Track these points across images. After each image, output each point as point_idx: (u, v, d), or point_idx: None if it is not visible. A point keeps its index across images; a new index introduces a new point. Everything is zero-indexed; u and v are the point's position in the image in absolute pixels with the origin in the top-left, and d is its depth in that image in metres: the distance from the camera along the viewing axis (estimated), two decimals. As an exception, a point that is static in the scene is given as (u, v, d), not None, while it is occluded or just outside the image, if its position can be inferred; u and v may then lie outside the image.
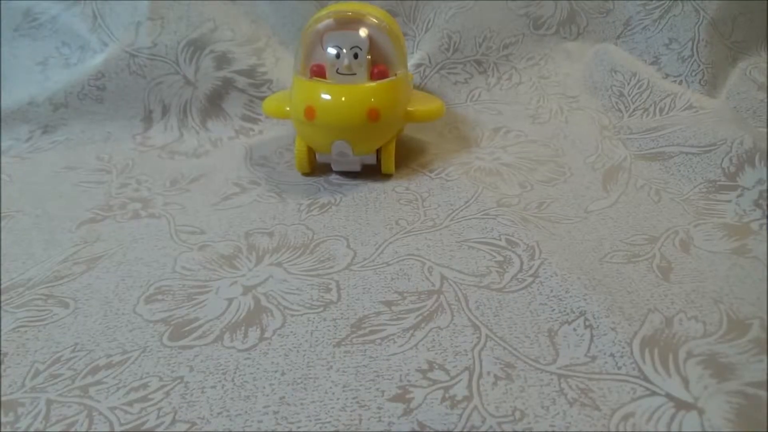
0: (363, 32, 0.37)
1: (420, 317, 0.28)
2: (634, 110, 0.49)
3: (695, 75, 0.51)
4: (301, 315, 0.28)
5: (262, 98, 0.52)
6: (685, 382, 0.23)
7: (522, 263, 0.32)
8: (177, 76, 0.50)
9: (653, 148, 0.44)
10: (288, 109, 0.39)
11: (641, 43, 0.54)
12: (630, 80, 0.51)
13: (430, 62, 0.54)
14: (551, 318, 0.27)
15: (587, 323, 0.27)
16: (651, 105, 0.49)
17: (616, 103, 0.51)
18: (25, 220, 0.37)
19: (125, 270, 0.32)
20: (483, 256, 0.32)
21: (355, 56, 0.37)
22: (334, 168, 0.40)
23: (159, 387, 0.24)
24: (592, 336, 0.26)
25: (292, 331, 0.27)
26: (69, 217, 0.38)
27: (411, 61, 0.55)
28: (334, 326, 0.27)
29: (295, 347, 0.26)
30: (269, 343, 0.26)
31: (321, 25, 0.38)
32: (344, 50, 0.37)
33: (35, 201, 0.40)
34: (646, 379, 0.24)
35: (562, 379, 0.24)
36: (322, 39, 0.37)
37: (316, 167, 0.42)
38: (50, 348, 0.26)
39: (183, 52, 0.50)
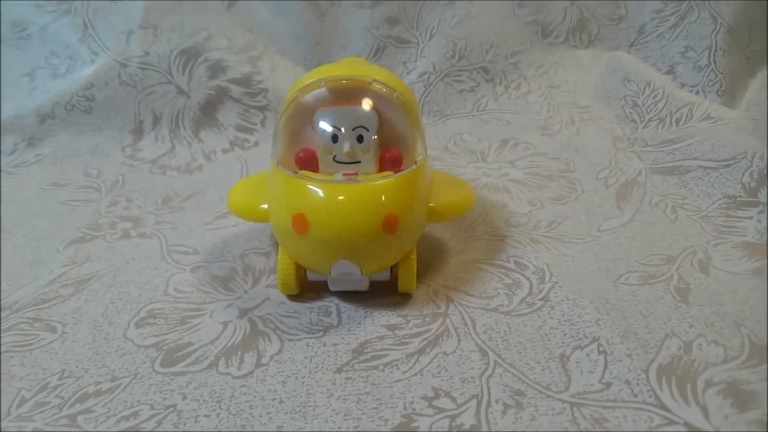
0: (368, 105, 0.30)
1: (425, 342, 0.28)
2: (648, 121, 0.50)
3: (713, 85, 0.52)
4: (300, 340, 0.29)
5: (259, 107, 0.53)
6: (705, 411, 0.24)
7: (532, 286, 0.32)
8: (169, 85, 0.51)
9: (669, 161, 0.44)
10: (265, 207, 0.30)
11: (656, 52, 0.55)
12: (644, 89, 0.52)
13: (434, 70, 0.55)
14: (563, 343, 0.28)
15: (601, 349, 0.27)
16: (667, 115, 0.49)
17: (630, 113, 0.52)
18: (10, 240, 0.38)
19: (115, 292, 0.32)
20: (491, 278, 0.33)
21: (360, 139, 0.29)
22: (332, 287, 0.31)
23: (150, 416, 0.25)
24: (606, 362, 0.26)
25: (290, 357, 0.28)
26: (56, 237, 0.38)
27: (415, 71, 0.56)
28: (335, 351, 0.28)
29: (293, 374, 0.27)
30: (266, 370, 0.27)
31: (311, 97, 0.30)
32: (344, 130, 0.29)
33: (21, 220, 0.40)
34: (663, 407, 0.24)
35: (575, 407, 0.24)
36: (313, 115, 0.30)
37: (307, 285, 0.32)
38: (37, 374, 0.27)
39: (176, 60, 0.52)
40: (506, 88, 0.56)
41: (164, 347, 0.28)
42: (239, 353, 0.28)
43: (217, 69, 0.52)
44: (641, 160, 0.46)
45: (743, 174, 0.39)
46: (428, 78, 0.55)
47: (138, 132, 0.51)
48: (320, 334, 0.29)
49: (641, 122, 0.50)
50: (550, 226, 0.38)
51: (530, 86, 0.57)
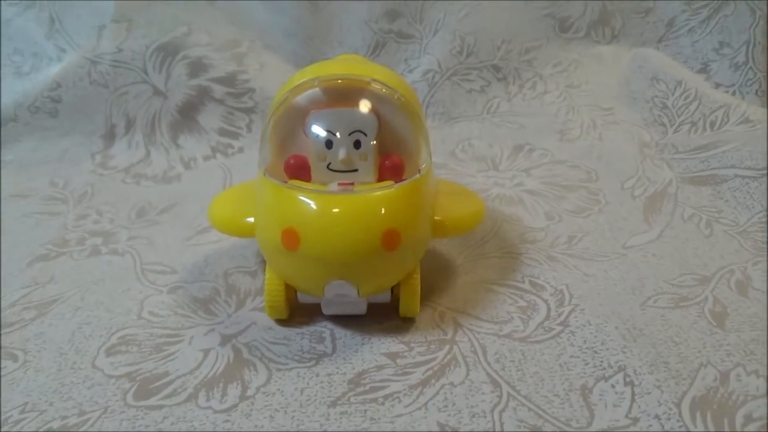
0: (366, 107, 0.30)
1: (430, 372, 0.28)
2: (680, 125, 0.51)
3: (751, 84, 0.52)
4: (290, 369, 0.29)
5: (244, 110, 0.54)
6: (744, 449, 0.24)
7: (549, 309, 0.32)
8: (145, 85, 0.52)
9: (703, 170, 0.45)
10: (251, 221, 0.31)
11: (687, 48, 0.56)
12: (675, 90, 0.53)
13: (440, 68, 0.56)
14: (585, 373, 0.28)
15: (627, 380, 0.27)
16: (700, 118, 0.50)
17: (659, 116, 0.52)
18: (-35, 256, 0.38)
19: (83, 316, 0.33)
20: (504, 301, 0.33)
21: (357, 144, 0.30)
22: (325, 311, 0.32)
23: (122, 455, 0.25)
24: (633, 395, 0.26)
25: (279, 389, 0.28)
26: (18, 254, 0.38)
27: (418, 69, 0.57)
28: (329, 382, 0.28)
29: (282, 407, 0.27)
30: (252, 403, 0.27)
31: (303, 99, 0.30)
32: (339, 135, 0.30)
33: (-23, 233, 0.41)
34: (697, 446, 0.24)
35: (598, 446, 0.24)
36: (306, 118, 0.30)
37: (297, 308, 0.32)
38: (-5, 409, 0.27)
39: (152, 58, 0.52)
40: (520, 87, 0.57)
41: (138, 378, 0.28)
42: (222, 384, 0.28)
43: (198, 67, 0.53)
44: (671, 168, 0.46)
45: (785, 184, 0.40)
46: (433, 77, 0.56)
47: (109, 137, 0.52)
48: (312, 363, 0.29)
49: (671, 126, 0.51)
50: (569, 243, 0.38)
51: (547, 86, 0.57)
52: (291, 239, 0.28)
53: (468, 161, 0.50)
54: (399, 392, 0.27)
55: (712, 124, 0.49)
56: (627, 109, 0.54)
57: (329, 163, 0.30)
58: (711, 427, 0.25)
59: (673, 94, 0.53)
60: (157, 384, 0.28)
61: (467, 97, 0.56)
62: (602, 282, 0.34)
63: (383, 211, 0.28)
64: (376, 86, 0.30)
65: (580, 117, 0.54)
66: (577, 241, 0.39)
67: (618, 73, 0.57)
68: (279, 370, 0.29)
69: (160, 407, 0.27)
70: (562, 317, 0.31)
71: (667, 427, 0.25)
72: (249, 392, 0.28)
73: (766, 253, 0.36)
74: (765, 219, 0.39)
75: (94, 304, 0.34)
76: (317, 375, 0.28)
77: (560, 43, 0.59)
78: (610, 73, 0.58)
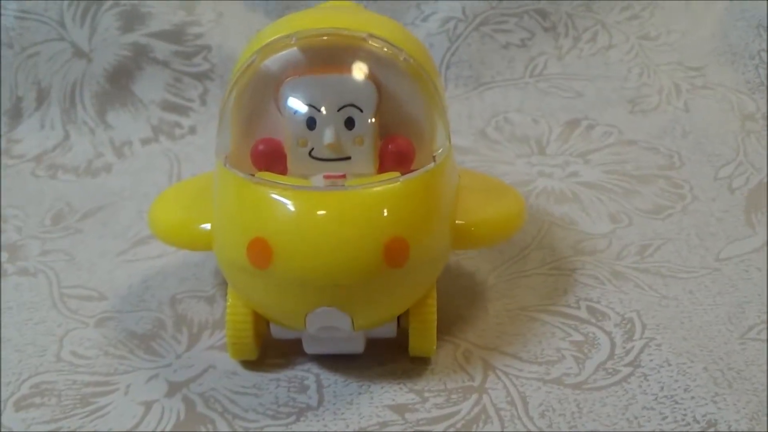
0: (361, 73, 0.30)
1: (452, 430, 0.29)
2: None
3: None
4: (261, 429, 0.29)
5: (196, 75, 0.54)
6: None
7: (614, 345, 0.33)
8: (62, 43, 0.53)
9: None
10: (207, 228, 0.31)
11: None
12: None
13: (464, 15, 0.56)
14: (662, 431, 0.28)
15: (719, 439, 0.28)
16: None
17: None
18: None
19: (-18, 357, 0.33)
20: (552, 334, 0.34)
21: (349, 124, 0.30)
22: (308, 350, 0.32)
23: None
24: (726, 459, 0.27)
25: (246, 455, 0.29)
26: None
27: (434, 17, 0.57)
28: (314, 446, 0.29)
29: (251, 480, 0.28)
30: (211, 474, 0.28)
31: (275, 62, 0.30)
32: (325, 111, 0.30)
33: None
34: None
35: None
36: (278, 90, 0.30)
37: (270, 346, 0.33)
38: None
39: (71, 7, 0.52)
40: (575, 41, 0.57)
41: (57, 441, 0.29)
42: (170, 449, 0.29)
43: (133, 17, 0.53)
44: (784, 150, 0.47)
45: None
46: (455, 27, 0.56)
47: (15, 114, 0.52)
48: (292, 419, 0.30)
49: (784, 92, 0.51)
50: (642, 254, 0.39)
51: (612, 38, 0.57)
52: (261, 253, 0.28)
53: (503, 143, 0.50)
54: (409, 458, 0.28)
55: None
56: (723, 69, 0.55)
57: (312, 149, 0.30)
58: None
59: (787, 49, 0.53)
60: (83, 449, 0.29)
61: (502, 54, 0.57)
62: (687, 307, 0.35)
63: (386, 214, 0.28)
64: (374, 44, 0.30)
65: (659, 80, 0.55)
66: (653, 251, 0.39)
67: (711, 20, 0.58)
68: (246, 429, 0.29)
69: (88, 480, 0.28)
70: (632, 355, 0.32)
71: (770, 503, 0.26)
72: (206, 459, 0.28)
73: None
74: None
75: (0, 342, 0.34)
76: (298, 436, 0.29)
77: (630, -21, 0.59)
78: (701, 21, 0.58)
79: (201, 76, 0.54)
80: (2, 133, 0.52)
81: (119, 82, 0.53)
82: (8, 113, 0.53)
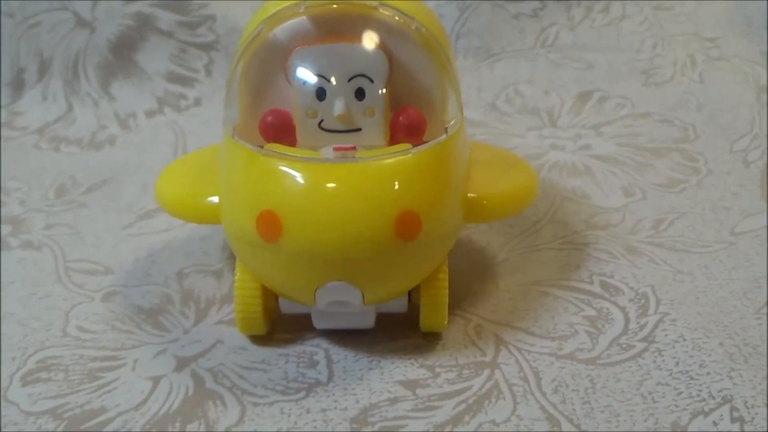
0: (372, 42, 0.30)
1: (463, 406, 0.29)
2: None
3: None
4: (270, 404, 0.29)
5: (202, 46, 0.54)
6: None
7: (628, 320, 0.33)
8: (64, 12, 0.52)
9: None
10: (215, 201, 0.32)
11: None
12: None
13: (473, -16, 0.56)
14: (677, 407, 0.28)
15: (735, 414, 0.27)
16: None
17: (786, 49, 0.52)
18: None
19: (-13, 332, 0.33)
20: (565, 309, 0.33)
21: (359, 94, 0.30)
22: (317, 325, 0.32)
23: None
24: (742, 435, 0.27)
25: (255, 430, 0.28)
26: None
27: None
28: (324, 421, 0.28)
29: (261, 456, 0.27)
30: (220, 450, 0.28)
31: (283, 31, 0.30)
32: (335, 82, 0.30)
33: None
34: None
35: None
36: (287, 60, 0.30)
37: (279, 320, 0.33)
38: None
39: (74, -25, 0.52)
40: (588, 10, 0.57)
41: (64, 416, 0.29)
42: (178, 425, 0.28)
43: (137, -14, 0.53)
44: (802, 122, 0.46)
45: None
46: (464, -3, 0.56)
47: (17, 86, 0.52)
48: (301, 395, 0.30)
49: (802, 63, 0.51)
50: (656, 228, 0.39)
51: (625, 7, 0.57)
52: (270, 226, 0.28)
53: (515, 116, 0.50)
54: (420, 434, 0.28)
55: None
56: (739, 40, 0.54)
57: (321, 121, 0.30)
58: None
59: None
60: (89, 424, 0.29)
61: (513, 24, 0.56)
62: (702, 282, 0.35)
63: (397, 187, 0.28)
64: (385, 12, 0.30)
65: (673, 51, 0.54)
66: (667, 225, 0.39)
67: (726, -12, 0.57)
68: (255, 404, 0.29)
69: (95, 456, 0.28)
70: (646, 330, 0.32)
71: (789, 481, 0.25)
72: (215, 435, 0.28)
73: None
74: None
75: (3, 316, 0.34)
76: (308, 411, 0.29)
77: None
78: (716, -11, 0.57)
79: (206, 47, 0.54)
80: (4, 105, 0.52)
81: (123, 53, 0.53)
82: (10, 85, 0.52)
